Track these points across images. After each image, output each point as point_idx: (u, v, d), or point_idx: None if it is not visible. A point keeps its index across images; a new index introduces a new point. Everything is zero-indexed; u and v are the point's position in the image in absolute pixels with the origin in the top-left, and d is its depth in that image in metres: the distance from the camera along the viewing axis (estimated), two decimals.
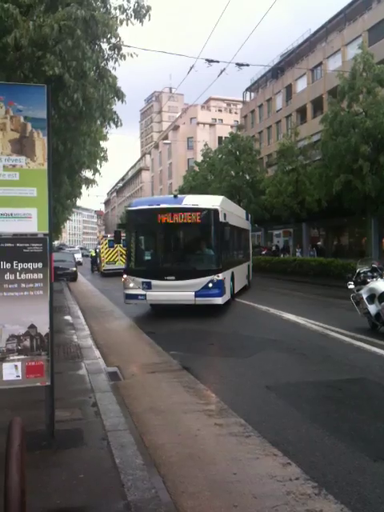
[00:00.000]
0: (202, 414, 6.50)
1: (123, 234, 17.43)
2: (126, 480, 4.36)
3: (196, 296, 14.46)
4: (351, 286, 13.13)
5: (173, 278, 14.61)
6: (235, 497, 4.29)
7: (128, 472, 4.51)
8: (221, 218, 15.19)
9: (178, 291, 14.42)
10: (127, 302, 15.66)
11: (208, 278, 14.55)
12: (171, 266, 15.31)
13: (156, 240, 16.65)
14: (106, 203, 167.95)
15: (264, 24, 36.91)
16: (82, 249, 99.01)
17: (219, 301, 14.83)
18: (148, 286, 14.83)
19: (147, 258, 16.58)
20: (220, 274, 14.77)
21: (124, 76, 13.48)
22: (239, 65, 21.60)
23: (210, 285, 14.49)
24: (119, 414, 6.20)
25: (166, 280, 14.62)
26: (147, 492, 4.15)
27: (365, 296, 11.93)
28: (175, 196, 16.41)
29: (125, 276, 15.60)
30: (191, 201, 15.61)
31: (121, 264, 35.72)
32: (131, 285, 15.17)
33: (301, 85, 49.61)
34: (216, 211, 15.02)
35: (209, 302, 14.73)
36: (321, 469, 4.82)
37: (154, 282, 14.78)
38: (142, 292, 14.86)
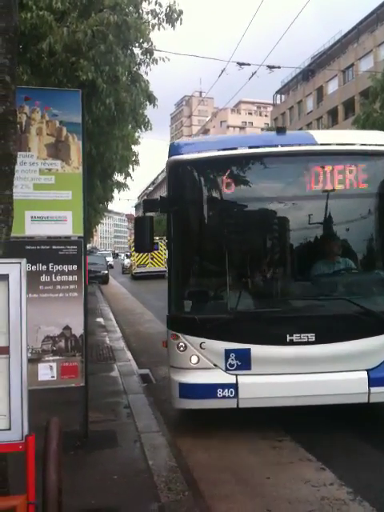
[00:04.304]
0: (234, 417, 6.46)
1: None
2: (159, 482, 4.38)
3: (372, 382, 5.73)
4: None
5: (310, 337, 5.75)
6: (269, 501, 4.26)
7: (161, 474, 4.54)
8: None
9: (324, 371, 5.77)
10: (182, 406, 6.06)
11: None
12: (302, 308, 6.14)
13: (256, 239, 6.69)
14: (137, 207, 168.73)
15: (295, 26, 36.59)
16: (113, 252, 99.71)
17: None
18: (243, 363, 5.76)
19: (233, 285, 6.22)
20: None
21: (155, 80, 13.52)
22: (270, 67, 21.47)
23: None
24: (151, 415, 6.25)
25: (292, 343, 5.74)
26: (180, 494, 4.16)
27: None
28: (280, 130, 6.54)
29: (173, 334, 6.19)
30: (337, 137, 7.01)
31: (152, 266, 35.73)
32: (194, 360, 5.87)
33: (332, 86, 49.09)
34: None
35: None
36: (356, 475, 4.75)
37: (257, 351, 5.76)
38: (228, 378, 5.75)
